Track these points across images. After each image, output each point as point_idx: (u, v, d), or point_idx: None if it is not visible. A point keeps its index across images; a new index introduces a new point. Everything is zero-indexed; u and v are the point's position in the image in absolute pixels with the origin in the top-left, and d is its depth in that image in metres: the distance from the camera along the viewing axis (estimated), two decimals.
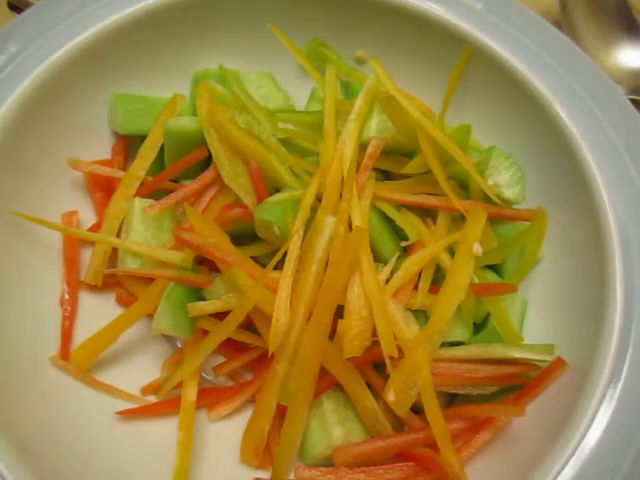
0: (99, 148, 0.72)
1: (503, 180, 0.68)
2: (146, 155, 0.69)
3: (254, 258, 0.63)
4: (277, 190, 0.65)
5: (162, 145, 0.69)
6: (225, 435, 0.65)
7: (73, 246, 0.68)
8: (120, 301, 0.69)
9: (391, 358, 0.58)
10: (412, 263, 0.62)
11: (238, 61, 0.76)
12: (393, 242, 0.65)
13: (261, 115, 0.66)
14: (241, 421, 0.63)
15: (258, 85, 0.75)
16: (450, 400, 0.66)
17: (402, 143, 0.66)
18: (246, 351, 0.67)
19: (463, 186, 0.68)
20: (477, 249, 0.62)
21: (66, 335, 0.65)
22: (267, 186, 0.64)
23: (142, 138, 0.70)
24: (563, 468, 0.54)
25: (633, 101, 0.75)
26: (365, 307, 0.59)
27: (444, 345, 0.62)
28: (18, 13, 0.81)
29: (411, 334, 0.60)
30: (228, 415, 0.66)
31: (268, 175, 0.65)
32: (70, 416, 0.61)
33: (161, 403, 0.65)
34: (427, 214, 0.68)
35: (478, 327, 0.67)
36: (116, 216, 0.68)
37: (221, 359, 0.68)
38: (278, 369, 0.59)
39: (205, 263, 0.66)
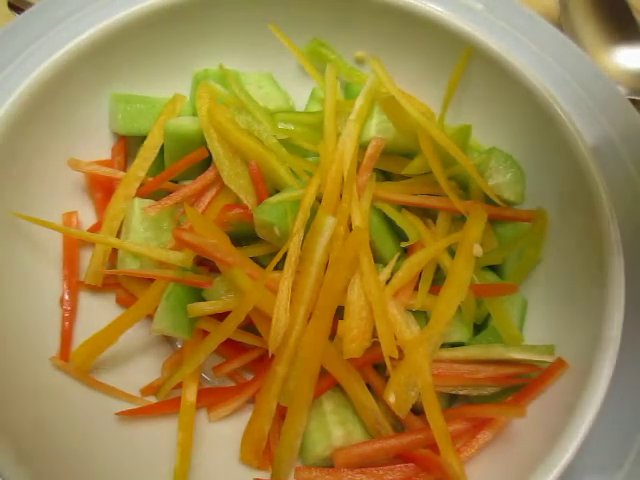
0: (99, 148, 0.72)
1: (503, 181, 0.68)
2: (146, 155, 0.69)
3: (254, 259, 0.63)
4: (277, 191, 0.65)
5: (162, 145, 0.69)
6: (225, 435, 0.65)
7: (73, 247, 0.68)
8: (120, 302, 0.69)
9: (391, 359, 0.58)
10: (412, 264, 0.62)
11: (238, 61, 0.76)
12: (393, 243, 0.65)
13: (261, 115, 0.66)
14: (241, 422, 0.63)
15: (258, 85, 0.75)
16: (450, 401, 0.66)
17: (402, 144, 0.66)
18: (246, 352, 0.67)
19: (463, 187, 0.68)
20: (477, 250, 0.62)
21: (66, 336, 0.64)
22: (267, 187, 0.64)
23: (142, 138, 0.70)
24: (564, 468, 0.54)
25: (633, 101, 0.75)
26: (365, 308, 0.59)
27: (444, 346, 0.62)
28: (18, 13, 0.81)
29: (411, 335, 0.60)
30: (228, 415, 0.66)
31: (268, 175, 0.65)
32: (70, 416, 0.61)
33: (161, 404, 0.65)
34: (427, 215, 0.68)
35: (478, 328, 0.67)
36: (116, 217, 0.68)
37: (221, 360, 0.68)
38: (278, 370, 0.59)
39: (205, 264, 0.66)
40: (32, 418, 0.58)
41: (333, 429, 0.60)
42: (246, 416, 0.63)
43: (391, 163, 0.67)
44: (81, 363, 0.62)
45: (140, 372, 0.66)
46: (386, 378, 0.61)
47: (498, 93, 0.71)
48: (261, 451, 0.62)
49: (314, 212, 0.62)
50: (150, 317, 0.64)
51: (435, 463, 0.58)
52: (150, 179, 0.69)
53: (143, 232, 0.66)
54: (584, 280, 0.64)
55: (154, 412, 0.64)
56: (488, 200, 0.67)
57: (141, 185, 0.69)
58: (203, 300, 0.62)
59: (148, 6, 0.69)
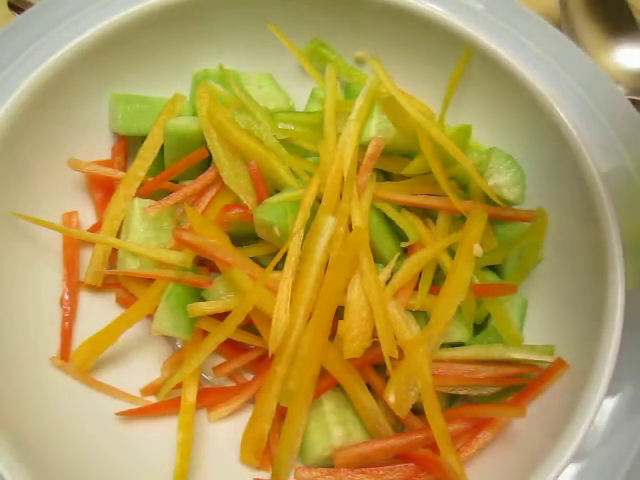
0: (99, 148, 0.72)
1: (503, 181, 0.68)
2: (146, 155, 0.69)
3: (254, 259, 0.63)
4: (277, 191, 0.65)
5: (162, 145, 0.69)
6: (225, 435, 0.65)
7: (73, 246, 0.68)
8: (120, 302, 0.69)
9: (391, 359, 0.58)
10: (412, 264, 0.62)
11: (238, 61, 0.76)
12: (393, 243, 0.65)
13: (261, 115, 0.66)
14: (241, 422, 0.63)
15: (258, 85, 0.75)
16: (450, 401, 0.66)
17: (402, 144, 0.66)
18: (246, 352, 0.67)
19: (463, 187, 0.68)
20: (477, 250, 0.62)
21: (66, 335, 0.65)
22: (267, 187, 0.64)
23: (142, 138, 0.70)
24: (564, 468, 0.54)
25: (633, 101, 0.75)
26: (365, 308, 0.59)
27: (444, 346, 0.62)
28: (18, 13, 0.81)
29: (411, 335, 0.60)
30: (228, 415, 0.66)
31: (268, 176, 0.65)
32: (70, 417, 0.61)
33: (161, 404, 0.65)
34: (427, 215, 0.68)
35: (478, 328, 0.67)
36: (116, 216, 0.68)
37: (221, 359, 0.68)
38: (278, 370, 0.59)
39: (205, 264, 0.66)
40: (32, 418, 0.58)
41: (333, 429, 0.60)
42: (246, 416, 0.63)
43: (391, 163, 0.67)
44: (81, 363, 0.62)
45: (140, 372, 0.66)
46: (386, 378, 0.60)
47: (498, 93, 0.71)
48: (261, 451, 0.62)
49: (314, 212, 0.62)
50: (150, 317, 0.64)
51: (435, 463, 0.58)
52: (150, 179, 0.69)
53: (143, 232, 0.66)
54: (584, 280, 0.64)
55: (154, 412, 0.64)
56: (488, 200, 0.67)
57: (141, 185, 0.69)
58: (203, 300, 0.62)
59: (148, 6, 0.69)
